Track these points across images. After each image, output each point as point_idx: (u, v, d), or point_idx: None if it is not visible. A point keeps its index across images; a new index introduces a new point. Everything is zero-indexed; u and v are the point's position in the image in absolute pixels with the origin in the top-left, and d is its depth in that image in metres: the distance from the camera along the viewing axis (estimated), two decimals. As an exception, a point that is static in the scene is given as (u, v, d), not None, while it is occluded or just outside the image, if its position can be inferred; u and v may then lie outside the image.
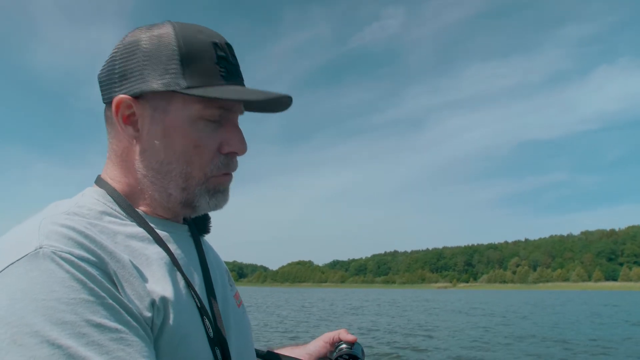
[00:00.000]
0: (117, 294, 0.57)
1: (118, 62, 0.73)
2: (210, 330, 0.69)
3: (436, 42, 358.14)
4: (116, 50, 0.74)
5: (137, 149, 0.74)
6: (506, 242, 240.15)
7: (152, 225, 0.73)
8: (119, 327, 0.54)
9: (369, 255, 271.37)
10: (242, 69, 0.79)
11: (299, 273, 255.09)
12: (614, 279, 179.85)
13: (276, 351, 1.04)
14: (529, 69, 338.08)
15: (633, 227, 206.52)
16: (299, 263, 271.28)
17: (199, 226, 0.86)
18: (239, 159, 0.79)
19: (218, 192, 0.76)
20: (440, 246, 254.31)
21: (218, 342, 0.70)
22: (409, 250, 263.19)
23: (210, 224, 0.89)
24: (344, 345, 1.03)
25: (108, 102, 0.74)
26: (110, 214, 0.69)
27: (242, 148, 0.76)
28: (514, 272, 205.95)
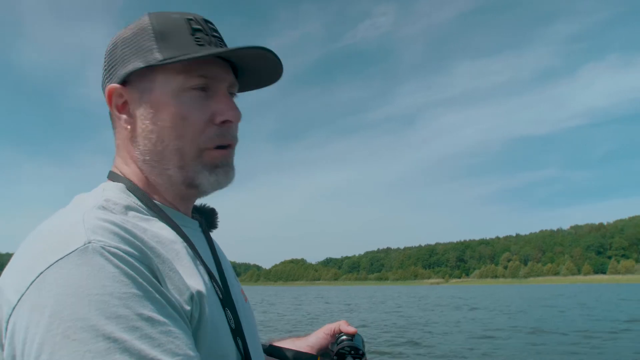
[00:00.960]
0: (162, 288, 0.59)
1: (106, 59, 0.77)
2: (232, 321, 0.71)
3: (428, 40, 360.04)
4: (106, 50, 0.78)
5: (133, 135, 0.75)
6: (498, 238, 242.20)
7: (172, 218, 0.74)
8: (166, 320, 0.55)
9: (362, 253, 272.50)
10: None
11: (292, 271, 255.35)
12: (603, 272, 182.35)
13: (277, 344, 1.05)
14: (519, 65, 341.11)
15: (621, 220, 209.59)
16: (292, 261, 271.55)
17: (207, 222, 0.89)
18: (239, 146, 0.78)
19: (217, 168, 0.74)
20: (433, 242, 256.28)
21: (239, 332, 0.72)
22: (402, 247, 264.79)
23: (218, 220, 0.91)
24: (344, 337, 1.04)
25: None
26: (133, 209, 0.70)
27: (234, 114, 0.74)
28: (506, 267, 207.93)
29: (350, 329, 1.05)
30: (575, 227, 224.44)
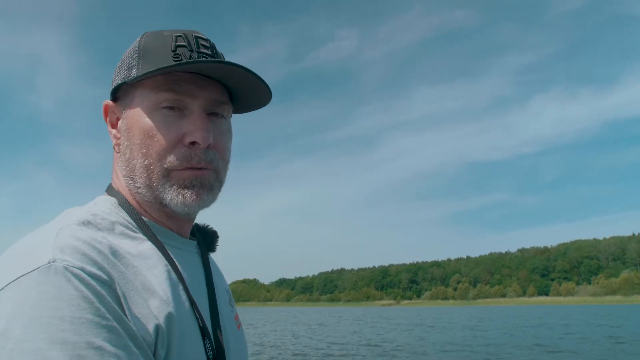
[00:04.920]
0: (123, 316, 0.57)
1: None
2: (210, 351, 0.69)
3: (388, 64, 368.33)
4: None
5: (117, 151, 0.76)
6: (449, 260, 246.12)
7: (160, 239, 0.73)
8: (118, 352, 0.53)
9: (316, 273, 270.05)
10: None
11: (244, 291, 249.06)
12: (546, 294, 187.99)
13: None
14: (474, 93, 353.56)
15: (564, 244, 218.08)
16: (244, 281, 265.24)
17: (207, 244, 0.87)
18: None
19: (185, 189, 0.72)
20: (386, 264, 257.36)
21: None
22: (355, 268, 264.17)
23: (217, 243, 0.90)
24: None
25: None
26: (122, 224, 0.70)
27: (202, 136, 0.71)
28: (455, 289, 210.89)
29: None
30: (522, 250, 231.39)
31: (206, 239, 0.88)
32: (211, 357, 0.68)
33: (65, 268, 0.54)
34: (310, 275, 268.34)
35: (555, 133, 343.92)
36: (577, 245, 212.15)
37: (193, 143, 0.72)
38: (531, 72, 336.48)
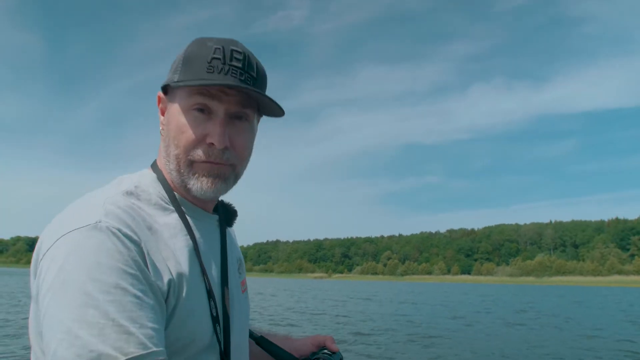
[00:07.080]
0: (145, 268, 0.77)
1: None
2: (214, 310, 0.87)
3: (336, 40, 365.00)
4: None
5: (162, 136, 0.95)
6: (382, 237, 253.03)
7: (186, 212, 0.93)
8: (137, 293, 0.73)
9: (250, 244, 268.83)
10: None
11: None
12: (469, 273, 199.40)
13: (269, 337, 1.19)
14: (417, 77, 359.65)
15: (488, 227, 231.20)
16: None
17: (227, 219, 1.06)
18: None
19: (202, 177, 0.90)
20: (321, 237, 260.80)
21: (219, 320, 0.89)
22: (291, 240, 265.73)
23: (235, 220, 1.08)
24: (326, 351, 1.18)
25: None
26: (158, 197, 0.91)
27: (217, 140, 0.88)
28: (385, 265, 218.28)
29: (334, 347, 1.20)
30: (450, 231, 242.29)
31: (227, 215, 1.07)
32: (214, 314, 0.87)
33: (107, 227, 0.75)
34: (245, 245, 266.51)
35: (488, 123, 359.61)
36: (500, 229, 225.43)
37: (211, 144, 0.88)
38: (473, 61, 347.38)
